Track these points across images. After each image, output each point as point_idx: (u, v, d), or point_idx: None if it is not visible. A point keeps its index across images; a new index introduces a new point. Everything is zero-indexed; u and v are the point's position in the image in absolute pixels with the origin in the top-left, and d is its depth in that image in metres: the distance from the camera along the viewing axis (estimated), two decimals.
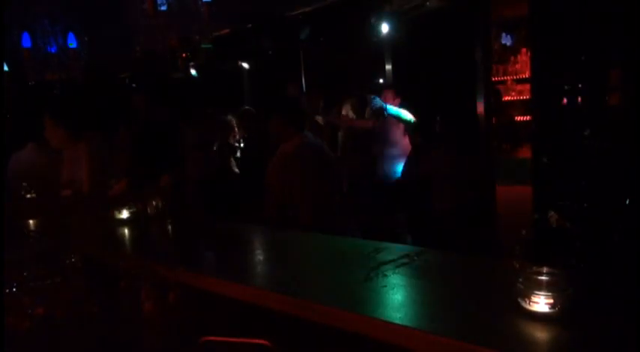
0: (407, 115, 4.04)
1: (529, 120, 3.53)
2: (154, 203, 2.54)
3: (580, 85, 3.19)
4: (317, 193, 2.94)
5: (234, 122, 4.73)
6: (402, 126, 4.06)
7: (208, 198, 3.59)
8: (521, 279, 1.19)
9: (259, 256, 1.91)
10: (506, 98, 4.37)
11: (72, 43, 3.95)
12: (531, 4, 3.37)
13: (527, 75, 3.53)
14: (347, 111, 4.86)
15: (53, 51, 4.03)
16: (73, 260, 1.88)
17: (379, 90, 4.38)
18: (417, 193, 3.89)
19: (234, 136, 4.76)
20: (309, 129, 4.49)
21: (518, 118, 3.97)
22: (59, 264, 1.86)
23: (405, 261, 1.61)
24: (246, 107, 4.68)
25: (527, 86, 3.54)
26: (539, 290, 1.15)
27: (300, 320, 1.38)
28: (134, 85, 6.83)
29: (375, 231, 4.03)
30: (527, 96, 3.54)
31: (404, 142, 4.13)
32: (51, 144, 3.20)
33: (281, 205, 2.95)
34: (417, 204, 3.91)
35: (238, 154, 4.63)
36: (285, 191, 2.88)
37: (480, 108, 3.98)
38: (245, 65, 6.44)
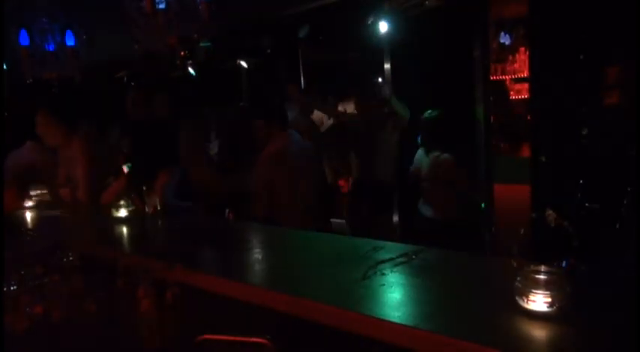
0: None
1: (527, 120, 3.54)
2: (152, 201, 2.55)
3: (578, 84, 3.20)
4: (305, 193, 2.95)
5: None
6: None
7: (208, 197, 3.58)
8: (519, 278, 1.19)
9: (257, 255, 1.91)
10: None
11: (70, 41, 3.93)
12: (530, 3, 3.37)
13: (525, 74, 3.54)
14: (344, 108, 4.85)
15: (51, 49, 4.01)
16: (71, 258, 1.88)
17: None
18: (411, 194, 3.89)
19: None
20: (305, 128, 4.50)
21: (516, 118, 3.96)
22: (57, 262, 1.85)
23: (403, 259, 1.62)
24: (242, 104, 4.67)
25: (526, 85, 3.55)
26: (537, 289, 1.15)
27: (298, 318, 1.38)
28: (133, 84, 6.82)
29: (368, 232, 4.04)
30: (526, 96, 3.55)
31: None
32: (45, 142, 3.19)
33: (269, 206, 2.96)
34: (412, 205, 3.90)
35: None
36: (273, 191, 2.88)
37: (479, 107, 3.98)
38: (243, 64, 6.43)
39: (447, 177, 3.51)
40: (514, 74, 4.09)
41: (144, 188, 2.56)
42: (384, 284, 1.42)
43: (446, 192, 3.55)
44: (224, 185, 3.57)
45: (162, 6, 2.65)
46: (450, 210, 3.56)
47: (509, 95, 3.53)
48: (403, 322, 1.18)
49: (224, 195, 3.61)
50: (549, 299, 1.14)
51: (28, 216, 2.86)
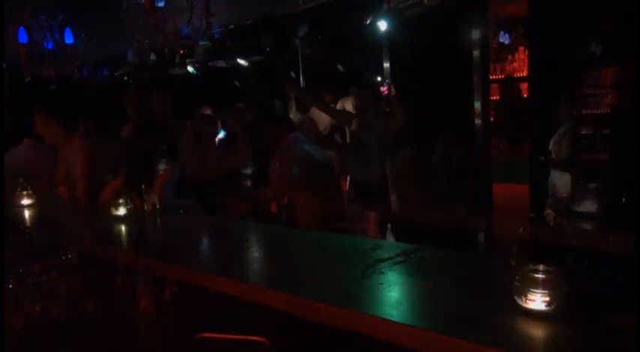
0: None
1: (526, 119, 3.54)
2: (151, 199, 2.54)
3: (577, 84, 3.21)
4: (310, 190, 3.01)
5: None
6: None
7: (207, 195, 3.59)
8: (517, 277, 1.19)
9: (256, 253, 1.91)
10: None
11: (69, 39, 3.93)
12: (530, 3, 3.37)
13: (524, 73, 3.54)
14: (342, 105, 4.85)
15: (50, 47, 4.01)
16: (69, 256, 1.88)
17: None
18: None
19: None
20: (307, 127, 4.51)
21: (516, 117, 3.97)
22: (56, 260, 1.85)
23: (401, 258, 1.62)
24: (239, 105, 4.66)
25: (525, 85, 3.55)
26: (536, 288, 1.16)
27: (296, 317, 1.38)
28: (131, 82, 6.81)
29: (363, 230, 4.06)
30: (525, 95, 3.55)
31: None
32: (45, 141, 3.18)
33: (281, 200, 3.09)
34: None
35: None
36: (292, 183, 3.01)
37: (477, 106, 3.98)
38: (243, 62, 6.42)
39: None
40: (513, 73, 4.10)
41: (143, 186, 2.55)
42: (382, 283, 1.42)
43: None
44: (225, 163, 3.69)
45: (161, 4, 2.64)
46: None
47: (516, 94, 3.53)
48: (402, 321, 1.19)
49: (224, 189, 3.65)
50: (548, 299, 1.14)
51: (27, 214, 2.86)
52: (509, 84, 5.20)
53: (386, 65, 4.77)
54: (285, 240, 2.12)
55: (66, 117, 3.13)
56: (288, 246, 2.00)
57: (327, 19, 4.80)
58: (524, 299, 1.17)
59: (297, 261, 1.77)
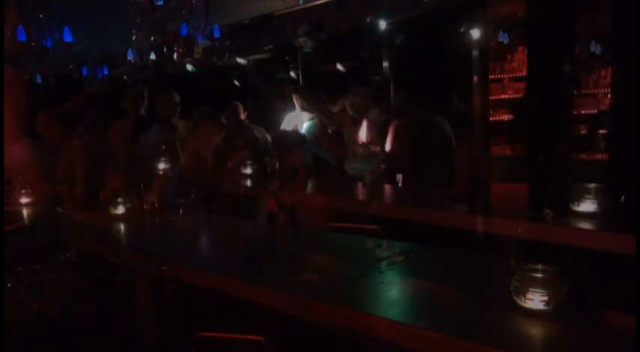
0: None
1: (525, 119, 3.54)
2: (150, 199, 2.54)
3: (576, 84, 3.21)
4: (312, 188, 3.03)
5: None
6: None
7: (207, 195, 3.59)
8: (516, 277, 1.20)
9: (256, 253, 1.91)
10: (503, 96, 4.39)
11: (68, 38, 3.92)
12: (529, 2, 3.36)
13: (523, 73, 3.54)
14: (343, 104, 4.84)
15: (49, 45, 3.99)
16: (68, 255, 1.87)
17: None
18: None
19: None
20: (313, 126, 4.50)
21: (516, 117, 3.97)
22: (55, 259, 1.85)
23: (401, 257, 1.62)
24: (236, 102, 4.65)
25: (524, 84, 3.55)
26: (535, 287, 1.16)
27: (296, 316, 1.38)
28: (132, 81, 6.79)
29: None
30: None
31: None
32: (46, 140, 3.18)
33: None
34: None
35: None
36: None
37: (476, 106, 3.98)
38: (242, 61, 6.41)
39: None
40: (512, 73, 4.09)
41: (142, 186, 2.55)
42: (382, 283, 1.43)
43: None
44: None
45: (160, 2, 2.64)
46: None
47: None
48: (401, 320, 1.19)
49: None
50: (546, 298, 1.15)
51: (27, 213, 2.85)
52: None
53: (385, 64, 4.78)
54: (284, 239, 2.12)
55: (67, 116, 3.13)
56: (287, 245, 2.00)
57: (326, 18, 4.81)
58: (523, 299, 1.17)
59: (297, 260, 1.77)
